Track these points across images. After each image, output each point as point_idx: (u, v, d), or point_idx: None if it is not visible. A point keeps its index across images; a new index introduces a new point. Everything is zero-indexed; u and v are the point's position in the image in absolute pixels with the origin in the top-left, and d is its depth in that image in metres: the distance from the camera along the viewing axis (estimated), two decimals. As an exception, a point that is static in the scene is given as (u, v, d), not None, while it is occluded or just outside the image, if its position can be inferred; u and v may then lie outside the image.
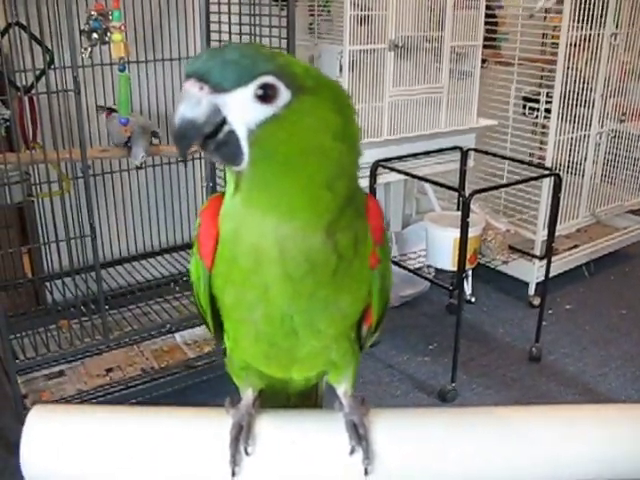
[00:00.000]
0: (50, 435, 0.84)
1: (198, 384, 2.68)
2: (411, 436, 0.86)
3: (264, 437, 0.85)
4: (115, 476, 0.85)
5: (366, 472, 0.83)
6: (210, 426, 0.87)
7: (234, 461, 0.82)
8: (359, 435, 0.84)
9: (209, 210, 0.80)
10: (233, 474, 0.83)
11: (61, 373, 2.71)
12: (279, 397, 0.97)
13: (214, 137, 0.67)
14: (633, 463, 0.86)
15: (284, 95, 0.67)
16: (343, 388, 0.90)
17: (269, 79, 0.66)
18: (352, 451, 0.83)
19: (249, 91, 0.66)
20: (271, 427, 0.86)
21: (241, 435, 0.84)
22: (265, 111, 0.66)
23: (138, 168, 2.70)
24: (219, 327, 0.89)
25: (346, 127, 0.71)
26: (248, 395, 0.89)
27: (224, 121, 0.67)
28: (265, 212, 0.71)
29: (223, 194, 0.79)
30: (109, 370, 2.72)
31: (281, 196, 0.70)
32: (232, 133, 0.67)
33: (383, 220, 0.82)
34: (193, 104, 0.65)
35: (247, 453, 0.83)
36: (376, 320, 0.88)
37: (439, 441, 0.86)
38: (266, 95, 0.66)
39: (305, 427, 0.87)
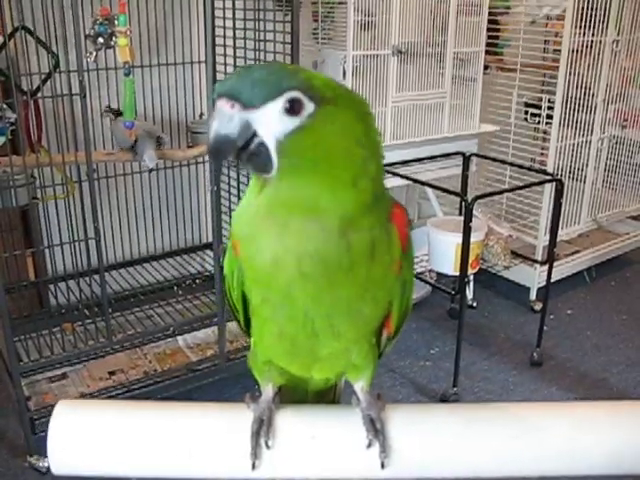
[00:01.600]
0: (76, 429, 0.86)
1: (201, 387, 2.69)
2: (427, 430, 0.88)
3: (284, 431, 0.87)
4: (139, 468, 0.87)
5: (383, 465, 0.85)
6: (231, 420, 0.89)
7: (255, 454, 0.85)
8: (376, 429, 0.86)
9: None
10: (253, 467, 0.85)
11: (64, 376, 2.72)
12: (297, 393, 0.99)
13: (246, 149, 0.72)
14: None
15: (308, 107, 0.72)
16: (360, 384, 0.93)
17: (295, 94, 0.71)
18: (369, 445, 0.85)
19: (277, 106, 0.71)
20: (290, 422, 0.88)
21: (262, 429, 0.86)
22: (292, 123, 0.72)
23: (150, 171, 2.70)
24: (248, 322, 0.92)
25: (367, 133, 0.76)
26: (268, 390, 0.92)
27: (255, 134, 0.72)
28: (287, 214, 0.74)
29: None
30: (112, 373, 2.73)
31: (305, 198, 0.74)
32: (262, 145, 0.72)
33: (408, 228, 0.85)
34: (226, 121, 0.71)
35: (267, 446, 0.85)
36: (396, 327, 0.91)
37: (454, 435, 0.88)
38: (292, 108, 0.71)
39: (324, 422, 0.89)
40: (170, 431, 0.87)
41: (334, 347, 0.85)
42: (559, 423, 0.89)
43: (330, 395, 1.06)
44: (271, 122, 0.71)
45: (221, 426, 0.89)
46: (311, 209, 0.74)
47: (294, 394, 0.99)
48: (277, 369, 0.92)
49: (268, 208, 0.76)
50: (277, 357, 0.90)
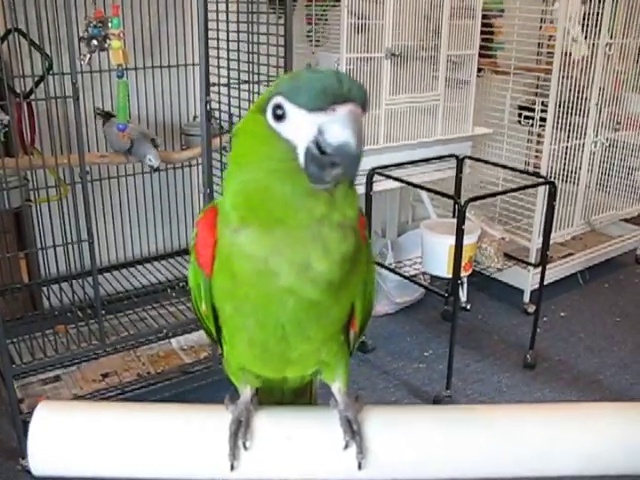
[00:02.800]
0: (56, 430, 0.86)
1: (194, 389, 2.69)
2: (403, 431, 0.88)
3: (262, 432, 0.87)
4: (119, 469, 0.87)
5: (360, 466, 0.85)
6: (210, 422, 0.89)
7: (233, 455, 0.85)
8: (353, 430, 0.86)
9: (206, 220, 0.82)
10: (232, 468, 0.85)
11: (57, 378, 2.72)
12: (274, 394, 1.00)
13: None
14: (618, 459, 0.88)
15: None
16: (337, 386, 0.93)
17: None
18: (346, 446, 0.85)
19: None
20: (268, 423, 0.89)
21: (240, 430, 0.86)
22: None
23: (156, 170, 2.69)
24: (217, 331, 0.93)
25: None
26: (246, 392, 0.92)
27: None
28: (321, 233, 0.75)
29: (217, 204, 0.82)
30: (105, 375, 2.73)
31: (345, 209, 0.76)
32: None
33: (366, 230, 0.86)
34: (356, 122, 0.70)
35: (245, 447, 0.85)
36: (361, 323, 0.92)
37: (430, 437, 0.88)
38: None
39: (301, 423, 0.89)
40: (149, 432, 0.87)
41: (304, 349, 0.86)
42: (533, 424, 0.90)
43: (307, 394, 1.07)
44: None
45: (200, 427, 0.89)
46: (344, 223, 0.75)
47: (271, 395, 1.00)
48: (252, 373, 0.92)
49: (261, 233, 0.75)
50: (249, 363, 0.90)
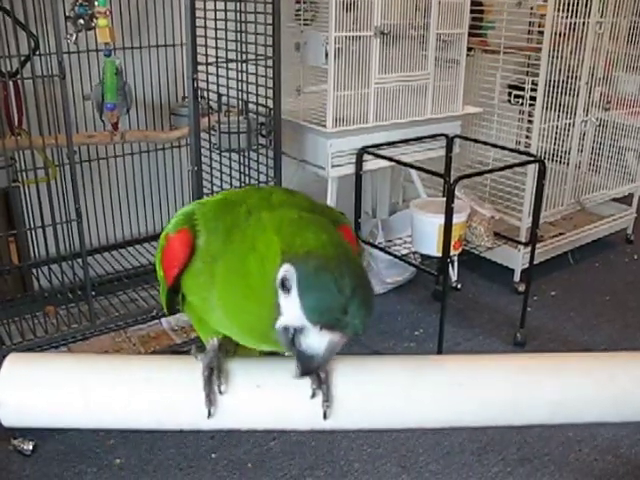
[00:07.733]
0: (26, 381, 0.86)
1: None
2: (370, 381, 0.88)
3: (231, 382, 0.87)
4: (91, 422, 0.87)
5: (325, 415, 0.85)
6: (182, 372, 0.89)
7: (209, 400, 0.85)
8: (320, 379, 0.86)
9: (178, 240, 0.86)
10: (209, 414, 0.85)
11: (48, 359, 2.71)
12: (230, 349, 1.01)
13: None
14: (580, 408, 0.90)
15: None
16: None
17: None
18: (313, 395, 0.85)
19: None
20: (236, 372, 0.88)
21: (213, 375, 0.86)
22: None
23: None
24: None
25: None
26: (214, 341, 0.92)
27: None
28: None
29: (192, 226, 0.86)
30: (96, 356, 2.73)
31: None
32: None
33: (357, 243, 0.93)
34: (333, 349, 0.74)
35: (221, 392, 0.85)
36: None
37: (398, 386, 0.88)
38: None
39: (269, 372, 0.89)
40: (123, 384, 0.87)
41: None
42: (502, 373, 0.91)
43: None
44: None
45: (172, 377, 0.88)
46: None
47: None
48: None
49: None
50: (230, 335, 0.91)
